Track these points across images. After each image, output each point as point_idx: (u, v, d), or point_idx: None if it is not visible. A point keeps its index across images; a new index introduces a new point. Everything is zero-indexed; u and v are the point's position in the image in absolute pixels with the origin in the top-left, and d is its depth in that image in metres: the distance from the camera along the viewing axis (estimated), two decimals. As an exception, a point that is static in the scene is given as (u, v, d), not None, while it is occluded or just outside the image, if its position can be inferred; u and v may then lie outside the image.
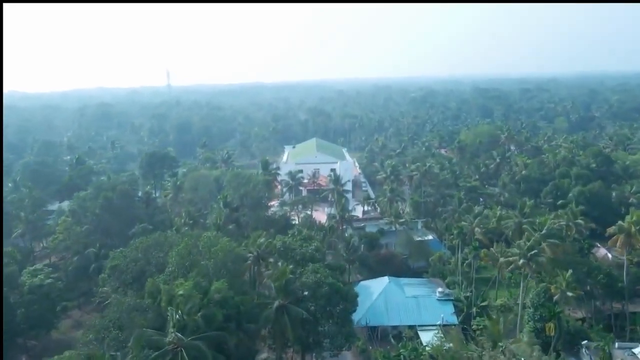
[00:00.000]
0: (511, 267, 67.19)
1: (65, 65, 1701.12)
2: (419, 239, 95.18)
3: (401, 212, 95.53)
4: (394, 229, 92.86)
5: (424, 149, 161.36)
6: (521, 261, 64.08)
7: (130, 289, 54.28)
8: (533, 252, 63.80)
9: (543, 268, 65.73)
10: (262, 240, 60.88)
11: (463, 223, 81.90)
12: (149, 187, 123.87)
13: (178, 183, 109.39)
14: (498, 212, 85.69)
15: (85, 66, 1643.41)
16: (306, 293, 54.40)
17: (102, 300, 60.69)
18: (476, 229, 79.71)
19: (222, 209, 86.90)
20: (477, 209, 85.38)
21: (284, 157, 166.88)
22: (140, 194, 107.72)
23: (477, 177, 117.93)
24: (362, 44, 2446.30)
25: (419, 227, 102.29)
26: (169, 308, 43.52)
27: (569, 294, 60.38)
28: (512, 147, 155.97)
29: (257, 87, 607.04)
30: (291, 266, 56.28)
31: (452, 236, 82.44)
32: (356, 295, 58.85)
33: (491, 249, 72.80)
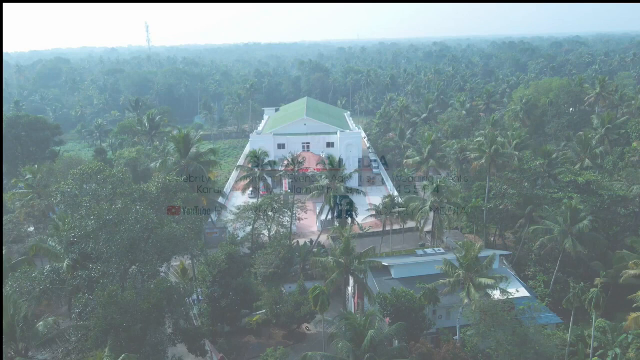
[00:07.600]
0: None
1: (52, 25, 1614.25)
2: (506, 297, 45.23)
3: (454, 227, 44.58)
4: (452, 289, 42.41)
5: (464, 112, 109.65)
6: None
7: None
8: None
9: None
10: None
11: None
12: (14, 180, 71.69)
13: (39, 177, 58.94)
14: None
15: (72, 26, 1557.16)
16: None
17: None
18: None
19: (64, 255, 37.01)
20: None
21: (261, 126, 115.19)
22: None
23: (588, 163, 66.33)
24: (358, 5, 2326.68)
25: (495, 265, 52.23)
26: None
27: None
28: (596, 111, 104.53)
29: (251, 47, 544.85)
30: None
31: None
32: None
33: None
